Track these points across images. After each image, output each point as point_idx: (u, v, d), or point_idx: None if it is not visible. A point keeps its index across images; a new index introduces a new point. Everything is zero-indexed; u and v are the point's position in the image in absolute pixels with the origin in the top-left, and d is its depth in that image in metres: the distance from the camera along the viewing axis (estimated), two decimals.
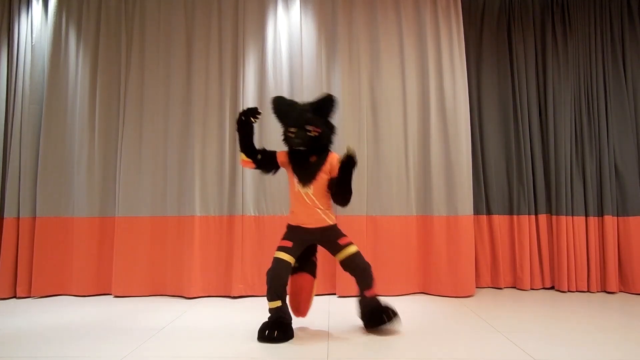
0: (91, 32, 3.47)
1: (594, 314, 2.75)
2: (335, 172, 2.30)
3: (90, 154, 3.37)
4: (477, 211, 3.52)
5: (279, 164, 2.40)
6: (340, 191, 2.28)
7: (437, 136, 3.36)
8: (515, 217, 3.55)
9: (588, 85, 3.59)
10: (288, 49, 3.46)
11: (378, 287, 3.22)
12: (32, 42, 3.47)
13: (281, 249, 2.27)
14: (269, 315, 2.24)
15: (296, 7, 3.48)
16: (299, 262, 2.38)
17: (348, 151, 2.21)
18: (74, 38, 3.50)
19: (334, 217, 2.38)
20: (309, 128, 2.24)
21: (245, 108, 2.40)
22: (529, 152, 3.58)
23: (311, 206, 2.30)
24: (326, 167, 2.32)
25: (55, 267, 3.33)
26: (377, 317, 2.30)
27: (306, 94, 3.37)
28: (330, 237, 2.34)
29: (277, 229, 3.08)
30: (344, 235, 2.36)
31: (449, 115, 3.35)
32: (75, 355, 2.02)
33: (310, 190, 2.29)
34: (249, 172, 3.32)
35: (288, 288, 2.29)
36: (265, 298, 2.24)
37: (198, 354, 2.03)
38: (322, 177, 2.31)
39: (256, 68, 3.43)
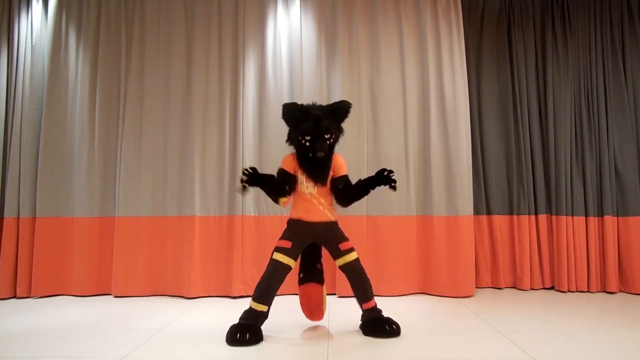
0: (91, 32, 3.47)
1: (594, 314, 2.75)
2: (339, 172, 2.32)
3: (90, 154, 3.37)
4: (477, 211, 3.52)
5: (293, 171, 2.33)
6: (353, 198, 2.31)
7: (437, 136, 3.36)
8: (515, 217, 3.55)
9: (588, 85, 3.59)
10: (288, 49, 3.46)
11: (379, 288, 3.25)
12: (32, 42, 3.47)
13: (280, 250, 2.23)
14: (244, 315, 2.19)
15: (296, 7, 3.48)
16: (304, 272, 2.37)
17: (387, 173, 2.23)
18: (74, 38, 3.50)
19: (335, 215, 2.37)
20: (326, 136, 2.23)
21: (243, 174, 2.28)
22: (529, 152, 3.58)
23: (315, 204, 2.29)
24: (332, 167, 2.33)
25: (55, 267, 3.33)
26: (378, 327, 2.27)
27: (306, 94, 3.37)
28: (332, 236, 2.31)
29: (277, 229, 3.08)
30: (346, 240, 2.32)
31: (449, 115, 3.35)
32: (75, 355, 2.02)
33: (315, 189, 2.29)
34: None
35: (299, 297, 2.31)
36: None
37: (198, 354, 2.03)
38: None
39: (256, 68, 3.43)
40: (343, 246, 2.29)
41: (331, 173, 2.33)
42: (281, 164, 2.36)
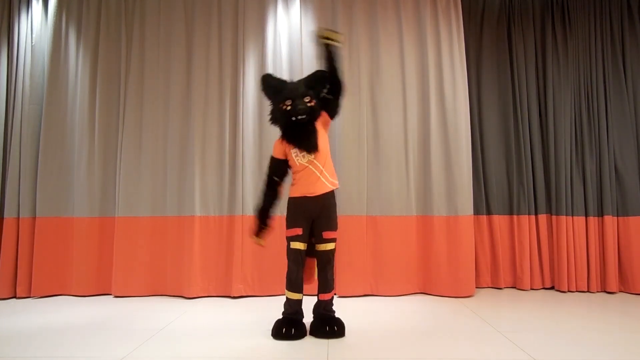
0: (91, 32, 3.47)
1: (594, 314, 2.75)
2: (326, 125, 2.38)
3: (90, 154, 3.37)
4: (477, 211, 3.52)
5: (283, 155, 2.36)
6: (334, 76, 2.34)
7: (437, 136, 3.36)
8: (515, 217, 3.55)
9: (588, 85, 3.59)
10: (288, 49, 3.46)
11: (379, 287, 3.26)
12: (32, 42, 3.47)
13: (294, 239, 2.29)
14: (287, 308, 2.30)
15: (296, 7, 3.48)
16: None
17: (320, 35, 2.28)
18: (74, 38, 3.50)
19: (336, 183, 2.37)
20: (306, 100, 2.26)
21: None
22: (529, 152, 3.58)
23: (315, 173, 2.30)
24: (318, 125, 2.34)
25: (55, 267, 3.33)
26: (320, 326, 2.30)
27: None
28: (324, 215, 2.32)
29: (277, 229, 3.07)
30: (332, 229, 2.33)
31: (449, 115, 3.35)
32: (75, 356, 2.02)
33: (313, 156, 2.29)
34: (248, 172, 3.33)
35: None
36: (282, 295, 2.26)
37: (198, 354, 2.03)
38: (322, 138, 2.33)
39: (256, 68, 3.43)
40: (326, 235, 2.32)
41: (322, 133, 2.34)
42: (272, 153, 2.40)
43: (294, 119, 2.25)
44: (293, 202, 2.35)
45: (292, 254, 2.29)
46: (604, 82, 3.57)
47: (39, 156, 3.38)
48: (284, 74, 3.42)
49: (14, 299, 3.25)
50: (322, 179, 2.30)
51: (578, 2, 3.64)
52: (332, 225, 2.34)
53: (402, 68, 3.43)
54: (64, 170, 3.44)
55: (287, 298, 2.30)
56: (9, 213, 3.33)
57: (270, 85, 2.35)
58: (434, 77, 3.40)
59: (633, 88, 3.56)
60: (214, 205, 3.32)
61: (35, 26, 3.49)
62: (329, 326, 2.27)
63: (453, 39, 3.42)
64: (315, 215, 2.32)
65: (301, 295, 2.31)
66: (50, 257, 3.33)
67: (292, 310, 2.30)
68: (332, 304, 2.37)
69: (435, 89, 3.39)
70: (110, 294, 3.30)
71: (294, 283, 2.28)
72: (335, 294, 2.39)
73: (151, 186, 3.37)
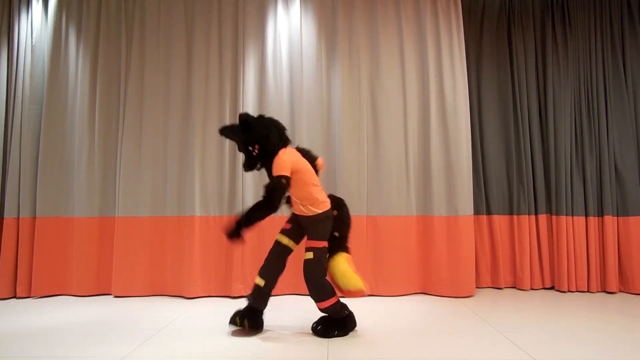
0: (91, 32, 3.47)
1: (594, 314, 2.75)
2: (296, 167, 2.31)
3: (90, 154, 3.37)
4: (477, 211, 3.52)
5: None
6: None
7: (437, 136, 3.36)
8: (515, 217, 3.55)
9: (588, 85, 3.59)
10: (288, 49, 3.46)
11: (379, 287, 3.26)
12: (32, 42, 3.47)
13: (282, 231, 2.42)
14: (249, 294, 2.37)
15: (296, 7, 3.48)
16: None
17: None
18: (74, 38, 3.50)
19: (313, 209, 2.33)
20: (250, 149, 2.32)
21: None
22: (529, 152, 3.58)
23: (294, 200, 2.39)
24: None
25: (55, 267, 3.33)
26: (325, 325, 2.31)
27: (306, 94, 3.38)
28: (307, 228, 2.37)
29: (277, 229, 3.07)
30: (314, 239, 2.33)
31: (449, 115, 3.35)
32: (75, 355, 2.02)
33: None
34: (249, 172, 3.32)
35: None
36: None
37: (198, 354, 2.03)
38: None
39: (256, 68, 3.43)
40: (307, 243, 2.35)
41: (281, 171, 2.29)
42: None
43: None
44: (326, 216, 2.35)
45: (273, 244, 2.40)
46: (604, 82, 3.57)
47: (39, 156, 3.37)
48: (284, 74, 3.42)
49: (14, 299, 3.24)
50: (297, 202, 2.35)
51: (578, 2, 3.64)
52: (314, 234, 2.34)
53: (402, 68, 3.43)
54: (64, 170, 3.44)
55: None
56: (9, 213, 3.33)
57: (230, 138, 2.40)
58: (434, 77, 3.40)
59: (633, 88, 3.56)
60: (214, 205, 3.32)
61: (35, 26, 3.49)
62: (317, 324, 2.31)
63: (453, 39, 3.42)
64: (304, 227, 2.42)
65: (264, 282, 2.34)
66: (50, 257, 3.33)
67: (252, 297, 2.36)
68: (336, 309, 2.31)
69: (435, 89, 3.40)
70: (110, 294, 3.30)
71: (262, 268, 2.37)
72: (337, 299, 2.33)
73: (151, 186, 3.37)
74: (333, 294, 2.29)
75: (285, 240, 2.38)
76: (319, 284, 2.27)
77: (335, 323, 2.30)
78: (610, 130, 3.51)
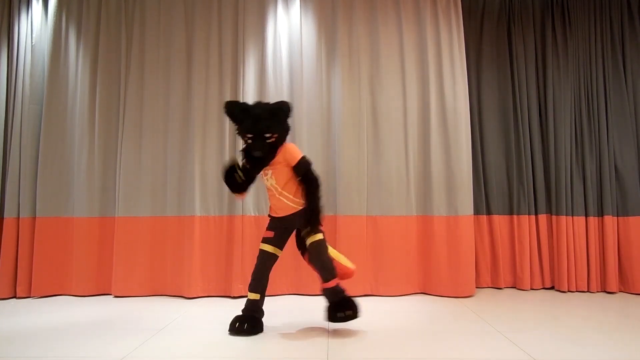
0: (91, 32, 3.47)
1: (594, 314, 2.75)
2: (292, 162, 2.34)
3: (90, 153, 3.37)
4: (477, 211, 3.52)
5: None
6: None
7: (437, 136, 3.36)
8: (515, 217, 3.55)
9: (588, 85, 3.59)
10: (288, 49, 3.46)
11: (379, 288, 3.26)
12: (32, 42, 3.47)
13: (264, 240, 2.41)
14: (245, 306, 2.36)
15: (296, 7, 3.48)
16: (301, 248, 2.48)
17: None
18: (74, 38, 3.50)
19: (301, 202, 2.37)
20: (267, 135, 2.29)
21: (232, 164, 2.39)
22: (529, 152, 3.58)
23: (278, 198, 2.37)
24: (279, 158, 2.35)
25: (55, 267, 3.33)
26: (335, 310, 2.31)
27: (306, 94, 3.38)
28: (301, 222, 2.37)
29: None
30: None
31: (449, 115, 3.35)
32: (75, 355, 2.02)
33: (274, 181, 2.37)
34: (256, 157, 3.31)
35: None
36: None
37: (198, 354, 2.03)
38: (280, 169, 2.35)
39: (256, 68, 3.43)
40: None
41: (283, 166, 2.35)
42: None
43: (254, 155, 2.34)
44: (270, 216, 2.47)
45: (258, 255, 2.41)
46: (604, 82, 3.57)
47: (39, 156, 3.37)
48: (284, 74, 3.42)
49: (14, 299, 3.24)
50: (285, 200, 2.37)
51: (578, 2, 3.64)
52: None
53: (402, 68, 3.43)
54: (64, 170, 3.44)
55: (247, 298, 2.38)
56: (9, 213, 3.33)
57: (232, 114, 2.35)
58: (433, 77, 3.40)
59: (633, 88, 3.56)
60: (214, 205, 3.32)
61: (35, 26, 3.49)
62: (338, 311, 2.29)
63: (453, 39, 3.42)
64: (295, 227, 2.46)
65: (259, 296, 2.37)
66: (50, 257, 3.33)
67: (249, 310, 2.37)
68: (338, 290, 2.33)
69: (435, 88, 3.40)
70: (110, 294, 3.30)
71: (252, 283, 2.39)
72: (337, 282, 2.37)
73: (151, 186, 3.37)
74: (336, 274, 2.36)
75: (270, 249, 2.38)
76: (328, 262, 2.34)
77: (342, 304, 2.29)
78: (610, 130, 3.51)
